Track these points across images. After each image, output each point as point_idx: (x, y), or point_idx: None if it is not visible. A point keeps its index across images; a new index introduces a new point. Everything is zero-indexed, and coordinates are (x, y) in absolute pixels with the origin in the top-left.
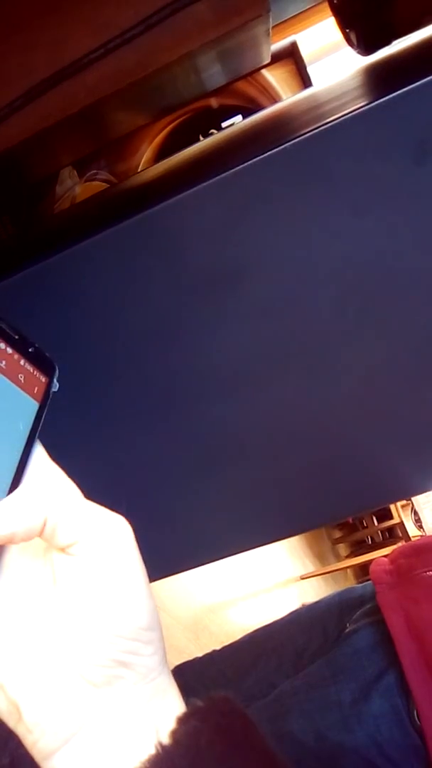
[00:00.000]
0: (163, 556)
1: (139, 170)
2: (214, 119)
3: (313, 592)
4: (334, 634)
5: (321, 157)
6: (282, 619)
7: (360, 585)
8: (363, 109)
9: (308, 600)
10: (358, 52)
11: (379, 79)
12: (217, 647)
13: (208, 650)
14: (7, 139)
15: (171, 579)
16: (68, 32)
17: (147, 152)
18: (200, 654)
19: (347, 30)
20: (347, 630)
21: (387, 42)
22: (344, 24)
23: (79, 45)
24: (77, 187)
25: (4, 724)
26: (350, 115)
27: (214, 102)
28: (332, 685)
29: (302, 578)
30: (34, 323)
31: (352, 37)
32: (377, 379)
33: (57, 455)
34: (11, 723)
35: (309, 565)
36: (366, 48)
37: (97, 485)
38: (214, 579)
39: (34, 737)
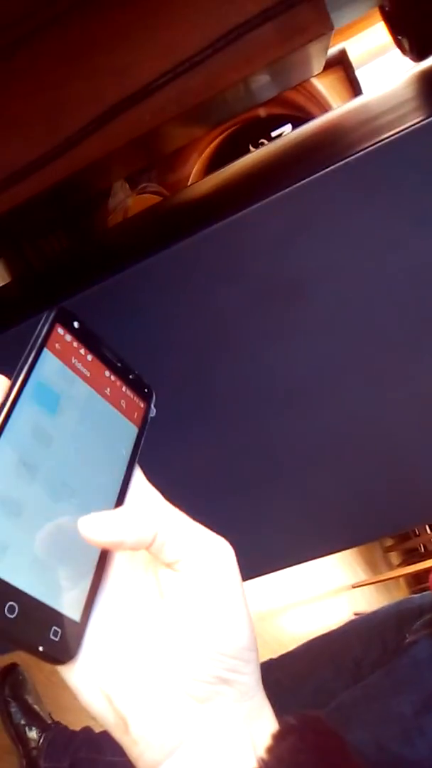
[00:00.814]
0: None
1: (189, 182)
2: (263, 129)
3: (365, 601)
4: (393, 645)
5: (381, 171)
6: (339, 628)
7: (418, 595)
8: (423, 123)
9: (360, 609)
10: (411, 59)
11: None
12: (270, 655)
13: (261, 658)
14: (76, 163)
15: None
16: (137, 58)
17: (197, 163)
18: None
19: (399, 37)
20: (407, 641)
21: None
22: (396, 30)
23: (148, 70)
24: (129, 200)
25: (66, 729)
26: (410, 129)
27: (262, 111)
28: (393, 696)
29: (354, 587)
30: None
31: (404, 43)
32: None
33: None
34: (117, 734)
35: (360, 574)
36: (419, 54)
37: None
38: (265, 587)
39: (140, 749)
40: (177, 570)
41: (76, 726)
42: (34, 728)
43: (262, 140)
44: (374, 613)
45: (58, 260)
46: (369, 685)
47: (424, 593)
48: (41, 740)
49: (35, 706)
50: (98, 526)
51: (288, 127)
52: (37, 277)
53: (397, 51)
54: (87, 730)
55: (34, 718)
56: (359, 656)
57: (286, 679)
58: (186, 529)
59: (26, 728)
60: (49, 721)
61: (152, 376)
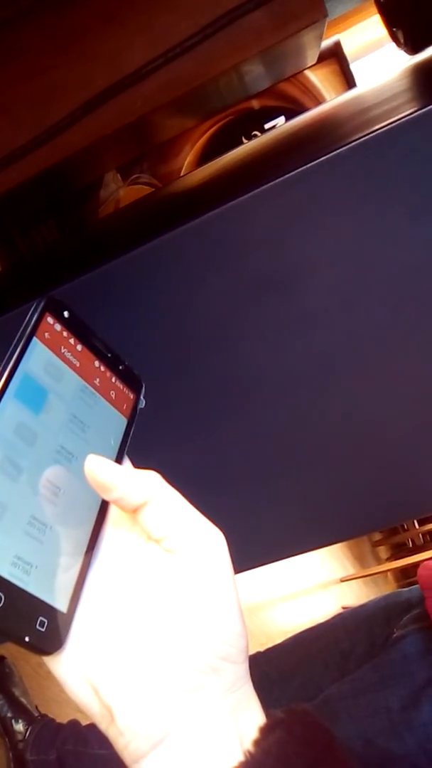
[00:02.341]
0: None
1: (182, 173)
2: (256, 120)
3: (353, 594)
4: (381, 639)
5: (374, 162)
6: (326, 622)
7: (407, 589)
8: (416, 114)
9: (348, 603)
10: (405, 51)
11: (428, 80)
12: (258, 648)
13: (249, 651)
14: (64, 150)
15: None
16: (127, 43)
17: (189, 155)
18: None
19: (394, 29)
20: (395, 635)
21: None
22: (391, 22)
23: (137, 56)
24: (121, 191)
25: (52, 721)
26: (403, 120)
27: (255, 103)
28: (381, 690)
29: (342, 581)
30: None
31: (399, 35)
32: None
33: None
34: (103, 726)
35: (349, 567)
36: (413, 47)
37: None
38: (253, 580)
39: (125, 740)
40: (167, 549)
41: (62, 718)
42: (20, 721)
43: (255, 132)
44: (362, 607)
45: (49, 250)
46: (357, 679)
47: (412, 587)
48: (28, 733)
49: (22, 699)
50: (101, 466)
51: (281, 119)
52: (28, 266)
53: (392, 45)
54: (74, 723)
55: (21, 710)
56: (347, 650)
57: (273, 672)
58: (179, 507)
59: (12, 721)
60: (36, 714)
61: (143, 366)
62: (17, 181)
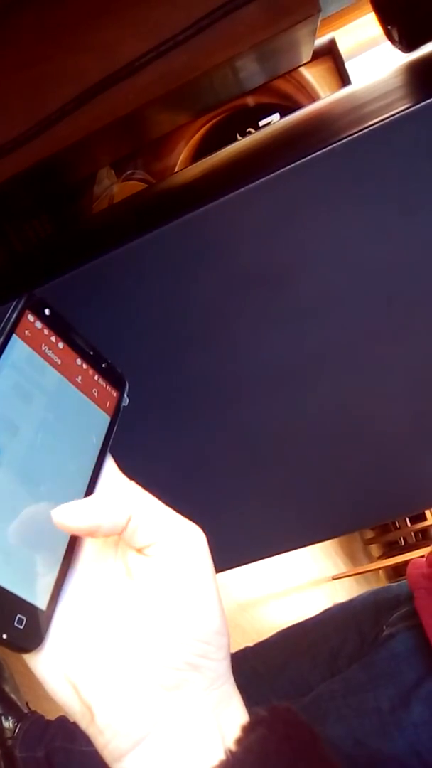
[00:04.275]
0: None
1: (176, 170)
2: (250, 117)
3: (345, 592)
4: (371, 636)
5: (367, 158)
6: (315, 617)
7: (395, 584)
8: (409, 110)
9: (339, 600)
10: (400, 49)
11: (422, 77)
12: (249, 645)
13: (239, 647)
14: (56, 143)
15: None
16: (120, 35)
17: (184, 151)
18: (232, 651)
19: (388, 26)
20: (384, 633)
21: (430, 38)
22: (385, 20)
23: (131, 48)
24: (115, 187)
25: (41, 718)
26: (396, 116)
27: (250, 100)
28: (370, 690)
29: (334, 578)
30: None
31: (394, 33)
32: (426, 379)
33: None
34: (83, 724)
35: (341, 565)
36: (408, 45)
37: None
38: (245, 577)
39: (105, 738)
40: (148, 555)
41: (54, 715)
42: (10, 717)
43: (250, 129)
44: (350, 602)
45: (42, 245)
46: (346, 679)
47: (401, 582)
48: (17, 730)
49: (12, 695)
50: (72, 514)
51: (276, 116)
52: (21, 261)
53: (387, 43)
54: (61, 719)
55: (11, 707)
56: (336, 647)
57: (262, 667)
58: (158, 513)
59: (2, 717)
60: (26, 711)
61: (134, 361)
62: (9, 174)
